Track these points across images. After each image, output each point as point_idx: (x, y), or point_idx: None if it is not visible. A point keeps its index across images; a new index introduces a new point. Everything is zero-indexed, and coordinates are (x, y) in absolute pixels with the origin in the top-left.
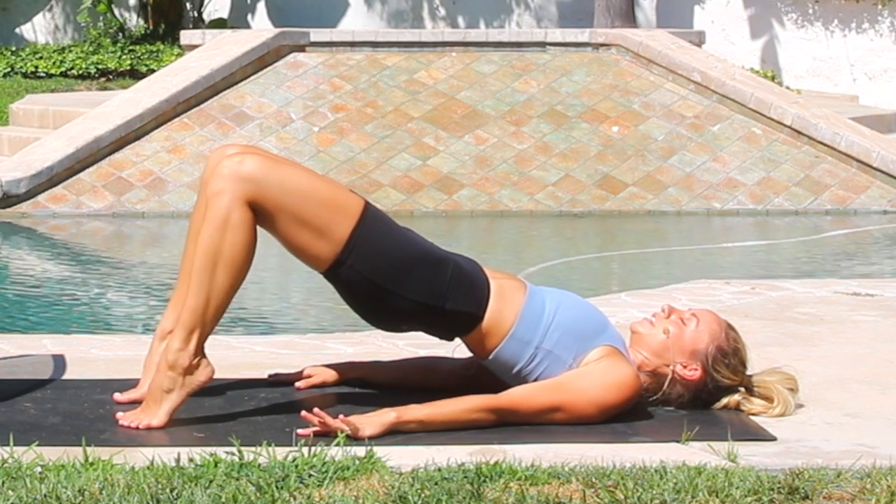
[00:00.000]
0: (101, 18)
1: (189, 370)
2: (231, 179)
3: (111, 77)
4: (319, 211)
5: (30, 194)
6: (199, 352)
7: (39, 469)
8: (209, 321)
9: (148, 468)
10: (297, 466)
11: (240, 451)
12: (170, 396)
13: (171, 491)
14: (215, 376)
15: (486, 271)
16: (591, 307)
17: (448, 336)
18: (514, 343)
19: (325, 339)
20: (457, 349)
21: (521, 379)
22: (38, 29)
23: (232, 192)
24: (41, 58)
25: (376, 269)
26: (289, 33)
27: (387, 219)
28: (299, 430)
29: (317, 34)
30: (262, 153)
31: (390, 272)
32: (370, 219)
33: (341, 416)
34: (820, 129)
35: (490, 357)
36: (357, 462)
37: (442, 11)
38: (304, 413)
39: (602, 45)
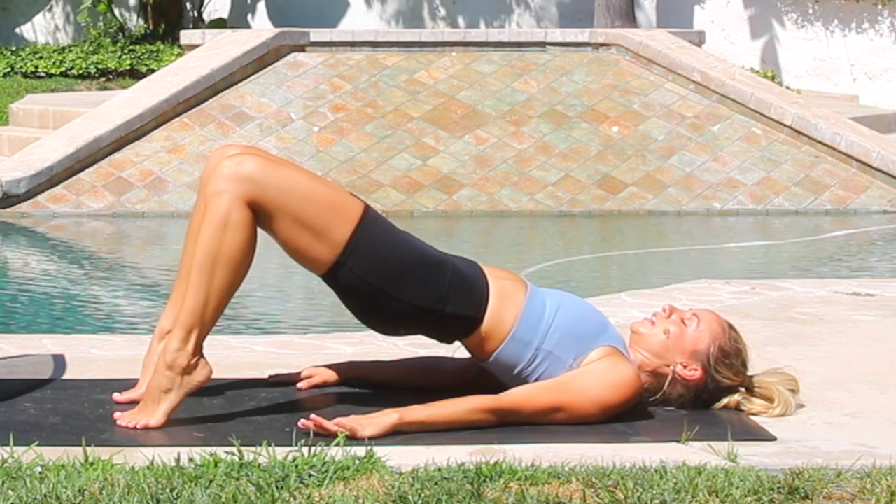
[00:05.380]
0: (101, 18)
1: (187, 370)
2: (231, 180)
3: (111, 77)
4: (319, 213)
5: (30, 194)
6: (198, 351)
7: (39, 469)
8: (208, 321)
9: (148, 468)
10: (297, 466)
11: (240, 451)
12: (168, 396)
13: (171, 491)
14: (215, 376)
15: (486, 271)
16: (592, 308)
17: (448, 339)
18: (514, 344)
19: (325, 339)
20: (458, 350)
21: (521, 380)
22: (38, 29)
23: (231, 192)
24: (41, 58)
25: (375, 272)
26: (289, 33)
27: (386, 222)
28: (301, 422)
29: (317, 34)
30: (263, 154)
31: (389, 275)
32: (370, 222)
33: (336, 420)
34: (820, 129)
35: (490, 359)
36: (357, 462)
37: (442, 11)
38: (301, 422)
39: (602, 45)
